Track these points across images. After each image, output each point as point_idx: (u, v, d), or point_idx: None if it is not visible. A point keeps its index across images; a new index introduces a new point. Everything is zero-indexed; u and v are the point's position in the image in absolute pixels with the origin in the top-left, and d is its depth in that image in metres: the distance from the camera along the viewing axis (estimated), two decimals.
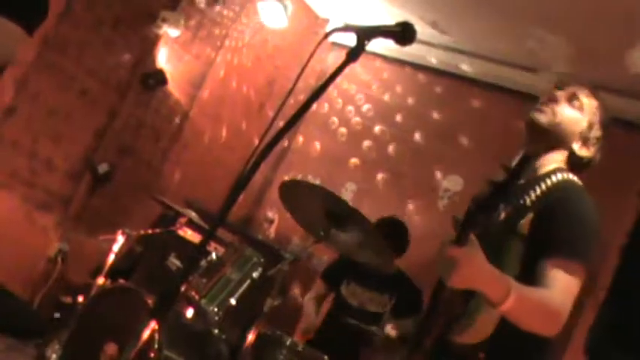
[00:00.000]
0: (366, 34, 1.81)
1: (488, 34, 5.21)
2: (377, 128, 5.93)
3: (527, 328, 2.13)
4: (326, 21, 6.33)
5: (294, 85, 2.08)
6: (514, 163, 2.16)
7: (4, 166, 4.69)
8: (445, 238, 2.11)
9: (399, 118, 5.87)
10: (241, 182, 1.65)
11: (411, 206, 5.43)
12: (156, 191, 5.34)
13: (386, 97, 6.01)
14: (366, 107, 6.06)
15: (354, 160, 5.93)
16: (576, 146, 2.41)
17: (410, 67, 5.94)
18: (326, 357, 3.53)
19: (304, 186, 3.53)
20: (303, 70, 2.09)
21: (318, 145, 6.16)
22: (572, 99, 2.41)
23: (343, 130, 6.10)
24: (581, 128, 2.40)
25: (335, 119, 6.16)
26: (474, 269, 2.03)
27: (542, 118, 2.38)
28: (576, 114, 2.40)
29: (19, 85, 4.61)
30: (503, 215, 2.37)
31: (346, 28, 1.88)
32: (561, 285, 2.15)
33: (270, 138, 1.67)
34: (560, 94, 2.41)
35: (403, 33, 1.86)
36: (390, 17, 5.44)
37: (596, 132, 2.42)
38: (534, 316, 2.13)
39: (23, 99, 4.66)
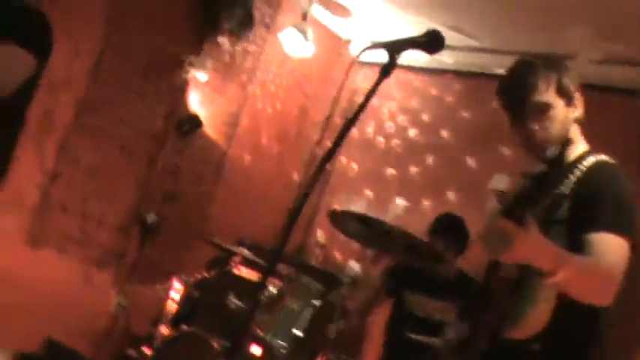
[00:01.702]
0: (395, 48, 1.82)
1: (511, 29, 5.17)
2: (412, 134, 5.90)
3: (579, 297, 2.10)
4: (348, 42, 6.34)
5: (331, 112, 2.09)
6: (549, 153, 2.15)
7: (56, 230, 4.78)
8: (493, 212, 2.10)
9: (435, 126, 5.82)
10: (295, 214, 1.65)
11: (458, 212, 5.35)
12: (205, 233, 5.38)
13: (417, 105, 5.98)
14: (400, 118, 6.03)
15: (395, 174, 5.89)
16: (576, 113, 2.37)
17: (440, 72, 5.89)
18: None
19: (347, 215, 3.52)
20: (337, 97, 2.10)
21: (358, 164, 6.14)
22: (540, 110, 2.32)
23: (382, 145, 6.07)
24: (564, 111, 2.34)
25: (373, 136, 6.14)
26: (531, 244, 2.00)
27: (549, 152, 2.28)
28: (553, 114, 2.32)
29: (60, 150, 4.71)
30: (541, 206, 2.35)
31: (375, 46, 1.88)
32: (607, 251, 2.11)
33: (316, 165, 1.68)
34: (528, 119, 2.32)
35: (432, 41, 1.86)
36: (411, 27, 5.43)
37: (567, 86, 2.34)
38: (586, 283, 2.09)
39: (66, 162, 4.75)
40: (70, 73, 4.68)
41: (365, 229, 3.34)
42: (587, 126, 2.44)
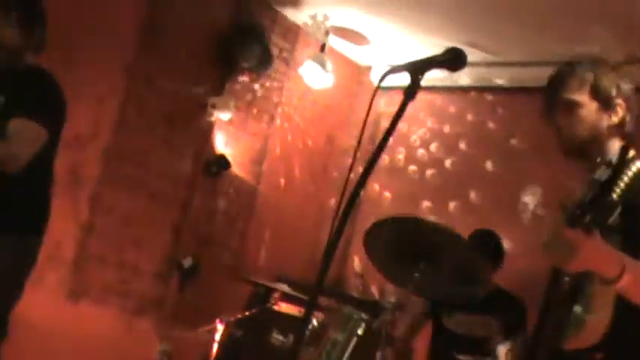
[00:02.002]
0: (417, 69, 1.79)
1: (527, 40, 5.15)
2: (447, 162, 5.84)
3: None
4: (368, 68, 6.35)
5: (358, 139, 2.08)
6: (613, 158, 2.09)
7: (95, 282, 4.81)
8: (556, 223, 2.06)
9: (464, 145, 5.75)
10: (332, 244, 1.64)
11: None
12: (243, 272, 5.39)
13: (446, 128, 5.93)
14: (434, 145, 5.94)
15: (432, 207, 5.76)
16: (614, 119, 2.29)
17: (462, 90, 5.85)
18: None
19: (389, 224, 3.44)
20: (363, 125, 2.09)
21: (391, 192, 6.08)
22: (567, 107, 2.28)
23: (415, 175, 5.99)
24: (596, 115, 2.28)
25: (404, 164, 6.08)
26: (596, 251, 1.98)
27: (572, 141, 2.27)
28: (581, 114, 2.27)
29: (92, 201, 4.75)
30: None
31: (395, 69, 1.86)
32: None
33: (349, 193, 1.67)
34: (555, 116, 2.29)
35: (453, 59, 1.84)
36: (428, 48, 5.42)
37: (604, 89, 2.27)
38: None
39: (99, 214, 4.79)
40: (95, 124, 4.75)
41: (400, 247, 3.28)
42: None
